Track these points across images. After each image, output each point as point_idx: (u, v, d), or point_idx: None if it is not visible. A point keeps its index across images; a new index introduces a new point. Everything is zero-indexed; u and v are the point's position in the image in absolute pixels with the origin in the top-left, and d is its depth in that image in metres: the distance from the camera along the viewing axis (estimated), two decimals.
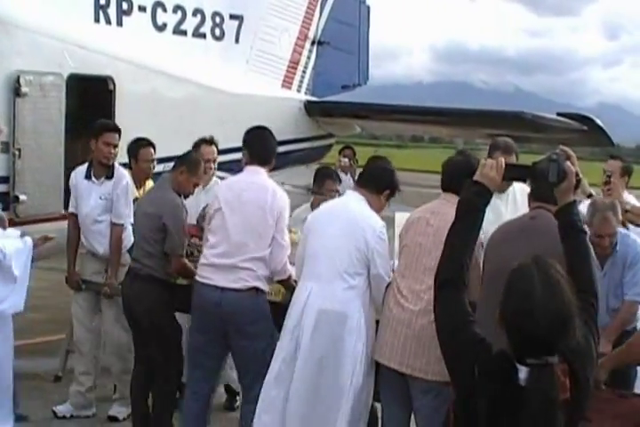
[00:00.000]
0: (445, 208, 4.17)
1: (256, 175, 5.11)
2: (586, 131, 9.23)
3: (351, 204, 4.67)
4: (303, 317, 4.42)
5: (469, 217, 2.91)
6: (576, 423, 2.52)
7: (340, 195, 9.01)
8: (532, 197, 4.17)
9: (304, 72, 10.65)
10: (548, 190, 4.02)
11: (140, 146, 6.34)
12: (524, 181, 3.04)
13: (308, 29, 10.62)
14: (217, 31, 9.21)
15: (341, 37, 11.18)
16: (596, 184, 7.76)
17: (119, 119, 7.30)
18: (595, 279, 2.88)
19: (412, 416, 4.30)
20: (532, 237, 3.93)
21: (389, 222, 4.91)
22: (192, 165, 5.57)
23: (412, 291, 4.24)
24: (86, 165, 6.30)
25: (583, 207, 6.77)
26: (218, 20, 9.20)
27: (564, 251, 2.97)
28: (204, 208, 6.01)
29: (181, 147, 8.45)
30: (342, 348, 4.33)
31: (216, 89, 9.16)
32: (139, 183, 6.50)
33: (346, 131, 11.59)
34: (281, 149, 10.67)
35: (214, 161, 6.56)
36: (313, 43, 10.73)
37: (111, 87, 7.66)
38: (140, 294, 5.27)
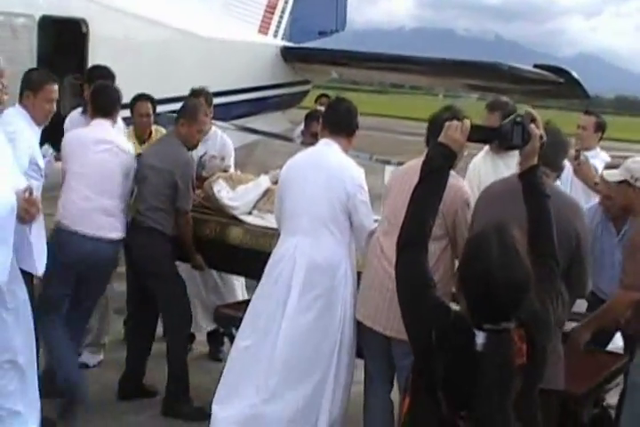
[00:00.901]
0: None
1: None
2: (562, 83, 9.22)
3: (327, 153, 4.59)
4: (293, 273, 4.39)
5: (433, 178, 2.87)
6: (532, 388, 2.55)
7: None
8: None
9: (281, 17, 10.54)
10: (542, 152, 4.03)
11: (135, 100, 6.16)
12: (489, 142, 3.01)
13: None
14: None
15: None
16: (573, 134, 7.78)
17: (93, 62, 7.19)
18: (555, 243, 2.89)
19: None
20: (520, 199, 3.95)
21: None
22: (189, 114, 5.45)
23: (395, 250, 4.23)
24: (80, 109, 6.13)
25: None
26: None
27: (527, 214, 2.98)
28: (201, 157, 6.08)
29: (155, 91, 8.40)
30: (335, 297, 4.37)
31: (192, 33, 9.05)
32: (140, 138, 6.41)
33: (322, 77, 11.53)
34: (257, 94, 10.73)
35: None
36: None
37: (84, 30, 7.54)
38: (143, 244, 5.26)
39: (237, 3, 9.78)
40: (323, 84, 13.47)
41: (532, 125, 2.97)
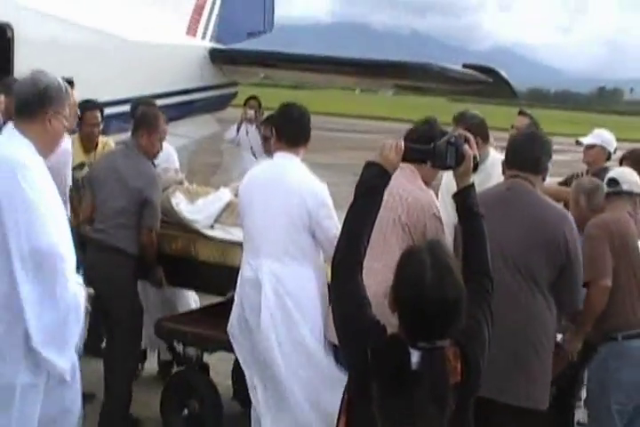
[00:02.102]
0: (412, 183, 4.08)
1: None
2: (491, 82, 9.35)
3: (287, 169, 4.40)
4: (261, 298, 4.29)
5: (368, 199, 2.84)
6: (467, 407, 2.57)
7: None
8: (507, 164, 4.11)
9: (209, 19, 10.41)
10: (524, 157, 3.97)
11: (84, 108, 5.87)
12: (424, 162, 3.02)
13: None
14: None
15: None
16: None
17: (18, 68, 7.00)
18: (489, 262, 2.90)
19: None
20: (509, 211, 3.90)
21: None
22: (149, 123, 5.21)
23: (370, 270, 4.16)
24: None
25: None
26: None
27: (462, 233, 2.99)
28: None
29: (82, 96, 8.18)
30: (298, 330, 4.29)
31: (119, 36, 8.87)
32: (85, 147, 6.22)
33: (250, 78, 11.46)
34: (186, 97, 10.59)
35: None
36: None
37: (9, 34, 7.32)
38: (105, 264, 5.03)
39: (164, 5, 9.61)
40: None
41: (466, 146, 2.96)
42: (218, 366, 5.70)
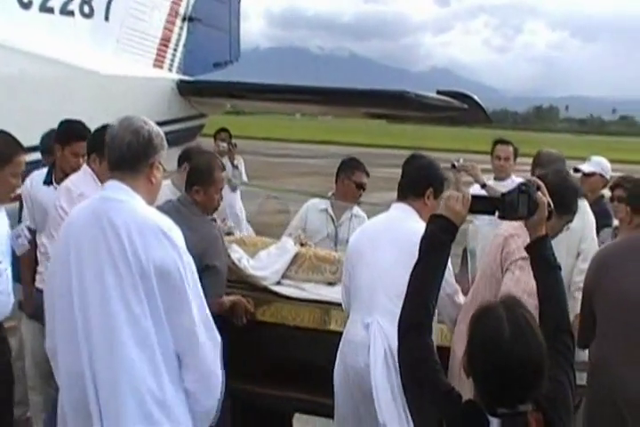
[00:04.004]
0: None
1: None
2: (465, 109, 9.30)
3: (397, 219, 4.02)
4: (370, 356, 3.85)
5: (435, 255, 2.68)
6: None
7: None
8: (635, 207, 4.09)
9: (175, 50, 10.20)
10: None
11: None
12: (492, 213, 2.84)
13: (179, 5, 10.14)
14: (86, 8, 8.60)
15: (212, 14, 10.78)
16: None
17: None
18: (568, 317, 2.75)
19: None
20: None
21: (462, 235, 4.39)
22: (204, 179, 4.60)
23: (461, 332, 3.82)
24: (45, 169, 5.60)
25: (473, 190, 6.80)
26: None
27: (537, 288, 2.79)
28: None
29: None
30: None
31: (85, 70, 8.60)
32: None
33: (218, 110, 11.26)
34: None
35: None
36: (184, 19, 10.27)
37: None
38: None
39: (132, 36, 9.37)
40: None
41: (539, 193, 2.80)
42: None
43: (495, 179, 7.20)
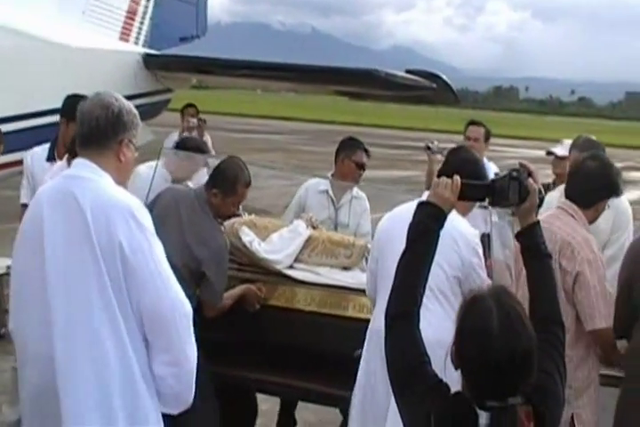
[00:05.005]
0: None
1: None
2: (434, 88, 9.28)
3: None
4: None
5: (423, 242, 2.62)
6: None
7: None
8: None
9: (142, 23, 10.03)
10: None
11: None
12: (482, 200, 2.78)
13: None
14: None
15: None
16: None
17: None
18: (559, 307, 2.68)
19: None
20: None
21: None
22: (226, 186, 4.43)
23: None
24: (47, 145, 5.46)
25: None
26: None
27: (527, 276, 2.74)
28: None
29: (12, 106, 7.74)
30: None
31: (51, 42, 8.46)
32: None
33: (184, 85, 11.12)
34: None
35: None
36: None
37: None
38: None
39: (97, 9, 9.20)
40: None
41: (530, 180, 2.73)
42: None
43: None
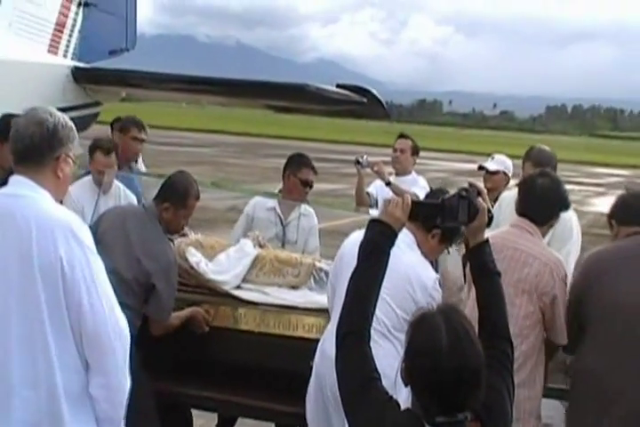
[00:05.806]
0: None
1: None
2: (364, 103, 9.37)
3: (399, 249, 3.59)
4: None
5: (373, 260, 2.64)
6: None
7: None
8: (622, 220, 4.10)
9: (70, 36, 9.90)
10: None
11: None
12: (433, 219, 2.85)
13: None
14: None
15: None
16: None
17: None
18: (507, 324, 2.75)
19: None
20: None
21: None
22: (177, 200, 4.44)
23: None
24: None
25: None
26: None
27: (477, 293, 2.81)
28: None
29: None
30: None
31: None
32: None
33: (113, 98, 11.01)
34: None
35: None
36: (79, 4, 9.93)
37: None
38: None
39: (24, 21, 9.05)
40: None
41: (479, 199, 2.79)
42: None
43: (397, 175, 7.33)
